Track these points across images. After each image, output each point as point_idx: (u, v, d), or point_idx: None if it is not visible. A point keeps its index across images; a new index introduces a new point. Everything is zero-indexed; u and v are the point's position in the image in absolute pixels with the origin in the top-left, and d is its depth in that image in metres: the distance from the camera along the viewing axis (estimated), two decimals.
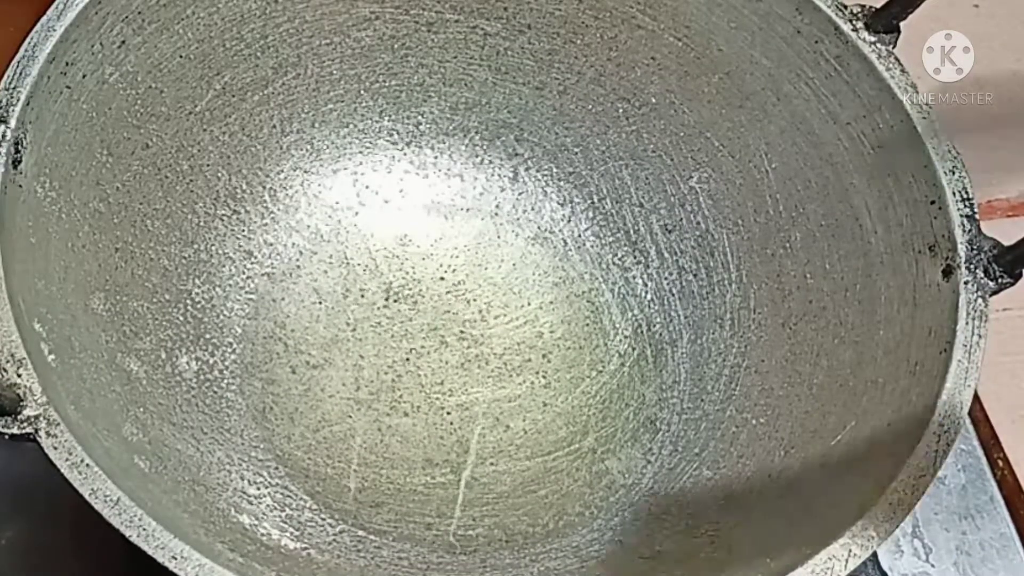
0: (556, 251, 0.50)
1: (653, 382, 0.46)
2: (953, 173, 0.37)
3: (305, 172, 0.49)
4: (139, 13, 0.40)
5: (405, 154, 0.50)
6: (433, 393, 0.46)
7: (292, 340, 0.46)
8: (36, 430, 0.30)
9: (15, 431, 0.30)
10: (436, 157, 0.50)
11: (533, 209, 0.50)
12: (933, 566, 0.50)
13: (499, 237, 0.50)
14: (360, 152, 0.49)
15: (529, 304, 0.49)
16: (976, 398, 0.52)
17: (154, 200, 0.43)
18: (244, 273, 0.47)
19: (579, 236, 0.50)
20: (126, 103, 0.40)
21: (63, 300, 0.36)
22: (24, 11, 0.38)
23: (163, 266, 0.43)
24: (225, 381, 0.44)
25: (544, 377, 0.47)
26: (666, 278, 0.48)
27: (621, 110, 0.47)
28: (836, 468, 0.36)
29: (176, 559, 0.29)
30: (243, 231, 0.47)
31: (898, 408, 0.36)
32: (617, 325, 0.48)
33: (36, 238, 0.36)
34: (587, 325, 0.48)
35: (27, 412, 0.30)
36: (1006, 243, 0.36)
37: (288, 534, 0.40)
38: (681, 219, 0.47)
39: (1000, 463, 0.53)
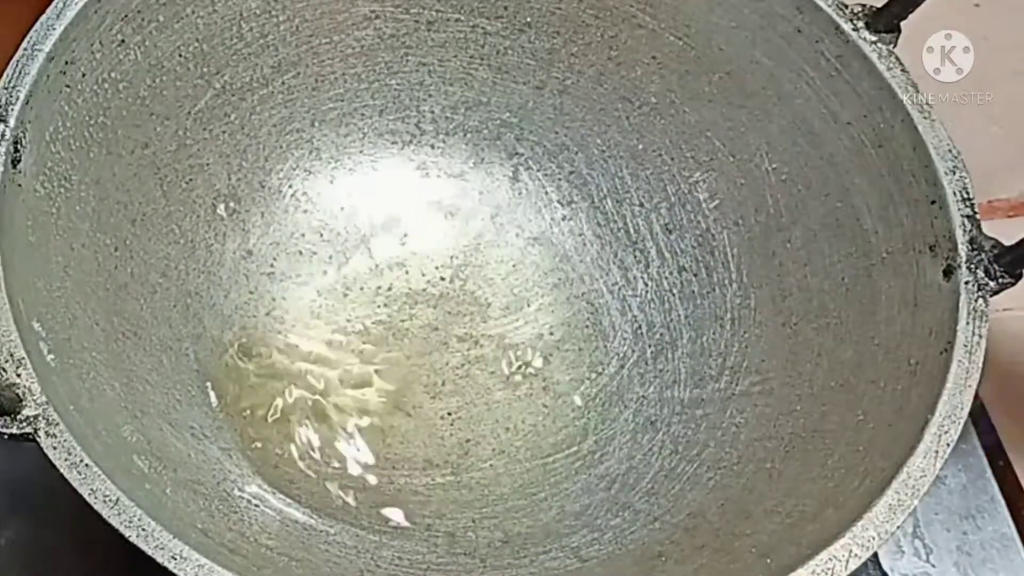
0: (556, 251, 0.50)
1: (653, 383, 0.46)
2: (953, 173, 0.37)
3: (305, 172, 0.48)
4: (138, 12, 0.39)
5: (405, 153, 0.50)
6: (433, 394, 0.46)
7: (292, 340, 0.46)
8: (35, 430, 0.30)
9: (14, 431, 0.30)
10: (436, 157, 0.50)
11: (533, 209, 0.50)
12: (934, 566, 0.50)
13: (499, 237, 0.50)
14: (360, 151, 0.49)
15: (529, 305, 0.49)
16: (976, 398, 0.52)
17: (154, 199, 0.43)
18: (244, 272, 0.47)
19: (579, 236, 0.50)
20: (126, 102, 0.40)
21: (63, 300, 0.36)
22: (24, 9, 0.38)
23: (163, 265, 0.43)
24: (224, 380, 0.44)
25: (544, 379, 0.47)
26: (666, 278, 0.48)
27: (621, 109, 0.47)
28: (836, 468, 0.36)
29: (176, 559, 0.29)
30: (243, 230, 0.47)
31: (898, 408, 0.36)
32: (617, 326, 0.48)
33: (36, 238, 0.36)
34: (587, 326, 0.48)
35: (26, 412, 0.30)
36: (1007, 243, 0.36)
37: (288, 534, 0.40)
38: (681, 219, 0.47)
39: (1000, 463, 0.53)
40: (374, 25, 0.46)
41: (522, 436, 0.45)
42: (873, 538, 0.31)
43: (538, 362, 0.47)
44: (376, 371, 0.46)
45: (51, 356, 0.33)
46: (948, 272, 0.36)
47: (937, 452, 0.33)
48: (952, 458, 0.50)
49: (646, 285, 0.48)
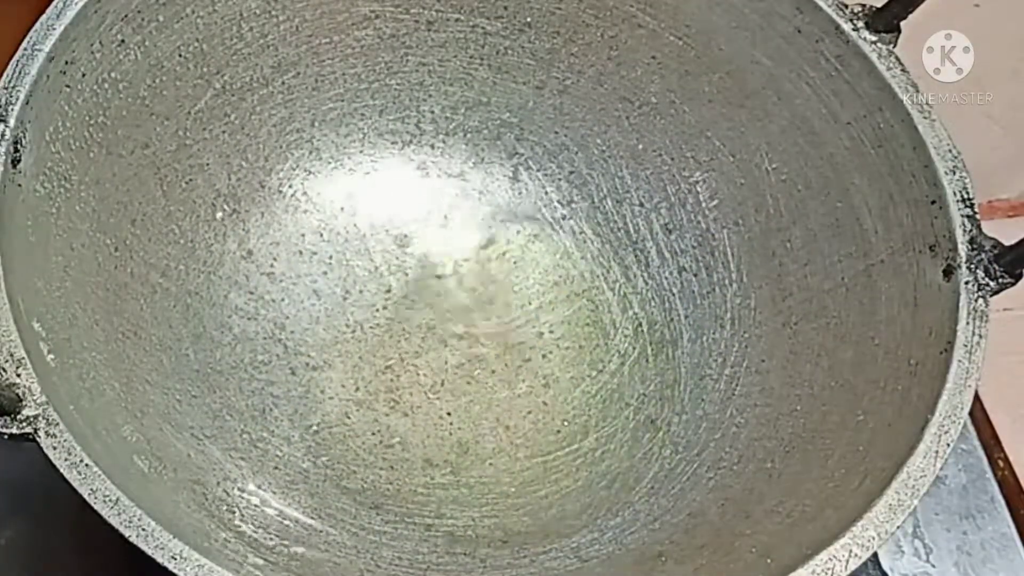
0: (556, 251, 0.50)
1: (653, 381, 0.46)
2: (953, 173, 0.37)
3: (305, 172, 0.48)
4: (138, 12, 0.39)
5: (405, 153, 0.50)
6: (432, 394, 0.46)
7: (291, 341, 0.46)
8: (35, 430, 0.30)
9: (14, 431, 0.30)
10: (436, 157, 0.50)
11: (533, 209, 0.50)
12: (934, 566, 0.50)
13: (499, 237, 0.50)
14: (360, 152, 0.49)
15: (529, 304, 0.49)
16: (976, 398, 0.52)
17: (154, 199, 0.43)
18: (243, 273, 0.47)
19: (579, 236, 0.50)
20: (126, 102, 0.40)
21: (63, 300, 0.36)
22: (24, 9, 0.38)
23: (163, 265, 0.43)
24: (224, 382, 0.44)
25: (544, 377, 0.47)
26: (666, 278, 0.48)
27: (621, 109, 0.47)
28: (836, 468, 0.36)
29: (176, 559, 0.29)
30: (243, 230, 0.47)
31: (898, 408, 0.36)
32: (618, 325, 0.48)
33: (36, 238, 0.36)
34: (587, 325, 0.48)
35: (26, 412, 0.30)
36: (1007, 243, 0.36)
37: (287, 535, 0.40)
38: (681, 219, 0.47)
39: (1000, 463, 0.54)
40: (374, 25, 0.46)
41: (522, 434, 0.46)
42: (873, 538, 0.31)
43: (538, 360, 0.47)
44: (375, 371, 0.46)
45: (51, 356, 0.33)
46: (948, 272, 0.36)
47: (937, 452, 0.33)
48: (952, 458, 0.50)
49: (646, 284, 0.48)
